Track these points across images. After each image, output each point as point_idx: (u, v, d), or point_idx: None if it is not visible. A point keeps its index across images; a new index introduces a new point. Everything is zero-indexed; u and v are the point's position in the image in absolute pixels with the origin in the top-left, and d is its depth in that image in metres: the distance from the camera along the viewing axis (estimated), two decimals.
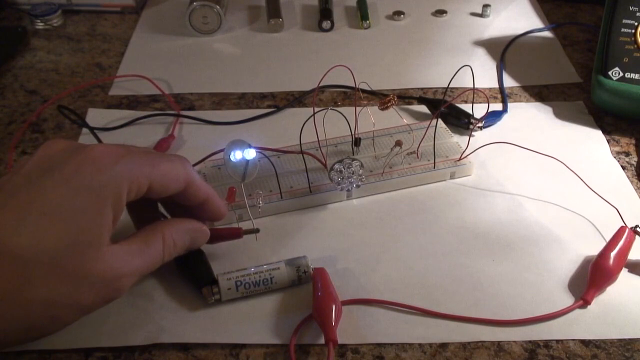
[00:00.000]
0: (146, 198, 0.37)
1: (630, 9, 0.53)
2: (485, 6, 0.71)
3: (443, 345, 0.37)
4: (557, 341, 0.37)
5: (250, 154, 0.43)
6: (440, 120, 0.52)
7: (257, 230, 0.42)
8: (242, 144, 0.43)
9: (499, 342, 0.37)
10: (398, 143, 0.47)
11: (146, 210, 0.40)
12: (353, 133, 0.47)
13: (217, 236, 0.41)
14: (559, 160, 0.48)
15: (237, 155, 0.43)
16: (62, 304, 0.33)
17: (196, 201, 0.39)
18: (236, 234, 0.42)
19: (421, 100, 0.57)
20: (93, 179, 0.33)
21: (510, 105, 0.57)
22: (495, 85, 0.60)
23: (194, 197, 0.38)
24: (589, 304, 0.39)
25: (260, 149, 0.44)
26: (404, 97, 0.58)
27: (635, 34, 0.53)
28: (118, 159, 0.34)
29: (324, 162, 0.47)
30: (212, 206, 0.40)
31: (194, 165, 0.47)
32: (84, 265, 0.32)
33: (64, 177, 0.33)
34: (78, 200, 0.33)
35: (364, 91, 0.54)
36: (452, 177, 0.48)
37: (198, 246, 0.40)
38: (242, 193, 0.43)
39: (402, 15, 0.71)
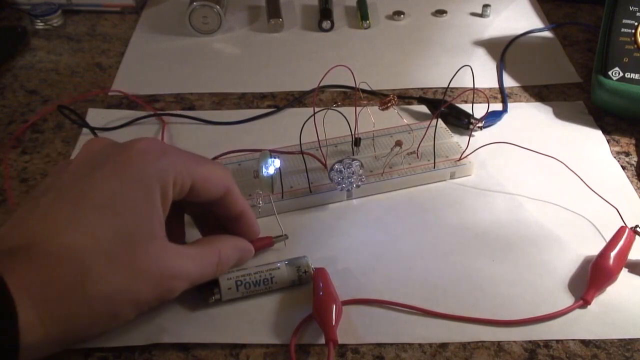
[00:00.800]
0: (178, 206, 0.36)
1: (630, 9, 0.53)
2: (485, 6, 0.71)
3: (443, 345, 0.37)
4: (557, 341, 0.37)
5: (276, 163, 0.44)
6: (440, 120, 0.52)
7: (286, 237, 0.42)
8: (267, 156, 0.44)
9: (499, 342, 0.37)
10: (398, 143, 0.47)
11: (172, 222, 0.39)
12: (353, 133, 0.47)
13: None
14: (559, 160, 0.48)
15: (270, 170, 0.44)
16: (122, 299, 0.32)
17: (233, 212, 0.38)
18: (268, 243, 0.42)
19: (421, 100, 0.57)
20: (141, 170, 0.33)
21: (510, 105, 0.57)
22: (495, 85, 0.60)
23: (232, 208, 0.38)
24: (589, 304, 0.39)
25: (273, 152, 0.45)
26: (404, 97, 0.58)
27: (635, 34, 0.53)
28: (164, 152, 0.35)
29: (324, 162, 0.47)
30: (247, 221, 0.39)
31: None
32: (139, 258, 0.32)
33: (112, 171, 0.33)
34: (128, 192, 0.33)
35: (364, 91, 0.54)
36: (452, 177, 0.48)
37: (241, 264, 0.40)
38: (272, 206, 0.43)
39: (402, 15, 0.71)
